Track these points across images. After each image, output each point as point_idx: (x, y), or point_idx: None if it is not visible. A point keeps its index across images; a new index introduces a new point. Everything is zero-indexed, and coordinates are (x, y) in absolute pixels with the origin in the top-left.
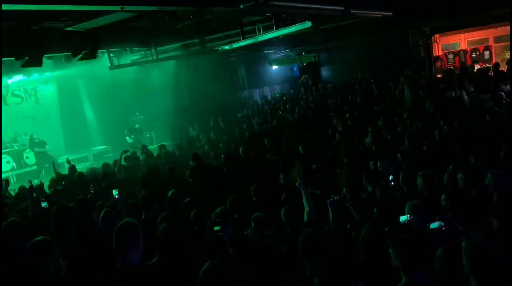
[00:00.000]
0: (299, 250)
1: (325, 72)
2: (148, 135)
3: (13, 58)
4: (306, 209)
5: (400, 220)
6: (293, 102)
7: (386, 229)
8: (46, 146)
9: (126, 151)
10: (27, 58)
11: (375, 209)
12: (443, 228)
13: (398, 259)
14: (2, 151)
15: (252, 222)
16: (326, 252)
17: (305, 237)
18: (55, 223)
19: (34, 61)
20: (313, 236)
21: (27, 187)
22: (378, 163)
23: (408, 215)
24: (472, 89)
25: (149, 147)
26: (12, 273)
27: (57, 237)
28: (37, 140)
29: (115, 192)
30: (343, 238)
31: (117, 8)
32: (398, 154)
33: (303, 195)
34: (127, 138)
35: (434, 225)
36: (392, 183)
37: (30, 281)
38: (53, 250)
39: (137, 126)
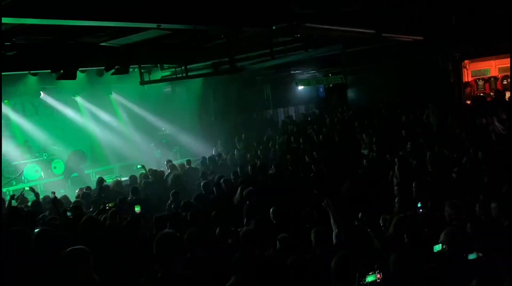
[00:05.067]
0: (331, 272)
1: (351, 94)
2: (174, 150)
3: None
4: (335, 231)
5: (434, 250)
6: (319, 123)
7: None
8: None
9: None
10: (62, 71)
11: (404, 235)
12: (482, 260)
13: None
14: (32, 160)
15: (277, 243)
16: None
17: (339, 260)
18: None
19: (69, 74)
20: (347, 259)
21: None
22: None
23: (441, 244)
24: (505, 117)
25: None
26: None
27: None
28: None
29: (137, 208)
30: None
31: (154, 25)
32: None
33: (331, 217)
34: (155, 153)
35: (472, 256)
36: (421, 210)
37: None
38: (86, 260)
39: (164, 141)
